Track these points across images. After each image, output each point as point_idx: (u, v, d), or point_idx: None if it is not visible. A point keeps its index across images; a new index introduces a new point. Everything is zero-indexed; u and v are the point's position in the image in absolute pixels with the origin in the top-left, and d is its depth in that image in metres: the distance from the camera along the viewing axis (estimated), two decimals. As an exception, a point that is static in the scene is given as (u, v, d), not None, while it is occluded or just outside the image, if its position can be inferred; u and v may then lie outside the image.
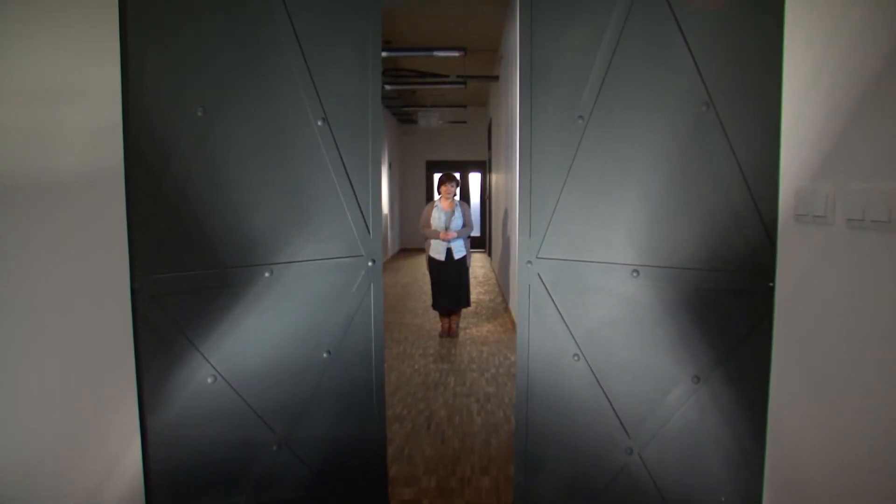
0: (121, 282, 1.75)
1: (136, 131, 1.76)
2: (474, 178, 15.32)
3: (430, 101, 13.00)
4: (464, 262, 6.09)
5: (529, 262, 2.29)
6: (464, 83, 9.07)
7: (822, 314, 1.51)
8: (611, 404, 2.15)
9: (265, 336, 2.12)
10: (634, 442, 2.12)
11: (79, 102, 1.61)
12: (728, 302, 1.88)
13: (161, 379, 1.87)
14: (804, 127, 1.58)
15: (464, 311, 6.84)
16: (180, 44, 1.84)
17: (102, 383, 1.72)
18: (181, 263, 1.90)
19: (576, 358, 2.21)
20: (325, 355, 2.27)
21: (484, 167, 14.52)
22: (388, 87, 9.54)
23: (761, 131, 1.77)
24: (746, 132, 1.80)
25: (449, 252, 5.99)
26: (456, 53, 7.28)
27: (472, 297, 7.71)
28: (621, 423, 2.14)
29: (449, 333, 6.25)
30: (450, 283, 6.05)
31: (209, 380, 1.99)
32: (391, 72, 9.23)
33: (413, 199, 15.41)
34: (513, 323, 6.62)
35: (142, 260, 1.80)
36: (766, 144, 1.75)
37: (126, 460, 1.78)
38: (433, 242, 6.04)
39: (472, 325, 6.79)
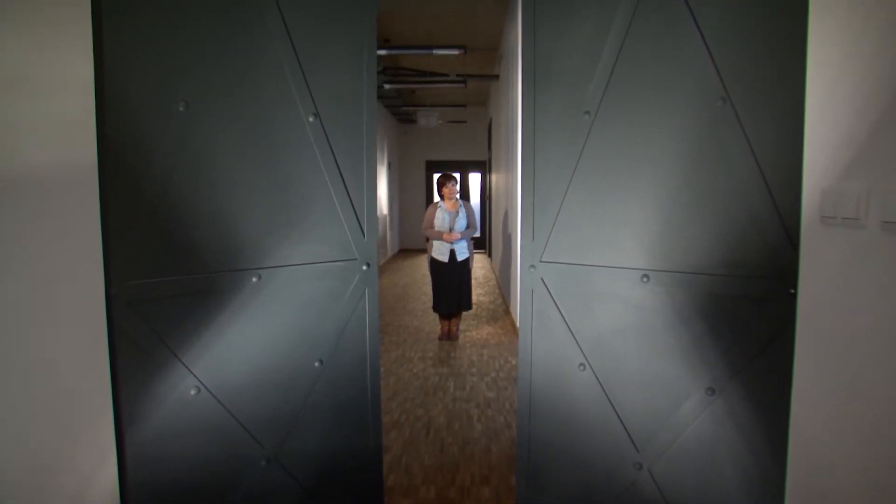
0: (95, 288, 1.63)
1: (112, 126, 1.64)
2: (474, 179, 15.21)
3: (429, 100, 12.90)
4: (466, 263, 5.98)
5: (532, 266, 2.17)
6: (464, 82, 8.96)
7: (851, 324, 1.39)
8: (618, 416, 2.03)
9: (253, 345, 2.00)
10: (644, 457, 2.00)
11: (48, 94, 1.49)
12: (745, 309, 1.76)
13: (140, 391, 1.75)
14: (831, 123, 1.46)
15: (464, 313, 6.73)
16: (159, 33, 1.72)
17: (75, 397, 1.60)
18: (162, 268, 1.78)
19: (581, 367, 2.09)
20: (316, 364, 2.15)
21: (484, 167, 14.41)
22: (387, 87, 9.43)
23: (782, 127, 1.65)
24: (766, 128, 1.69)
25: (452, 253, 5.88)
26: (456, 51, 7.17)
27: (473, 298, 7.60)
28: (630, 436, 2.02)
29: (449, 336, 6.14)
30: (451, 285, 5.95)
31: (192, 391, 1.87)
32: (390, 70, 9.12)
33: (412, 199, 15.30)
34: (513, 325, 6.51)
35: (119, 264, 1.68)
36: (788, 141, 1.63)
37: (101, 479, 1.66)
38: (435, 243, 5.93)
39: (472, 328, 6.68)
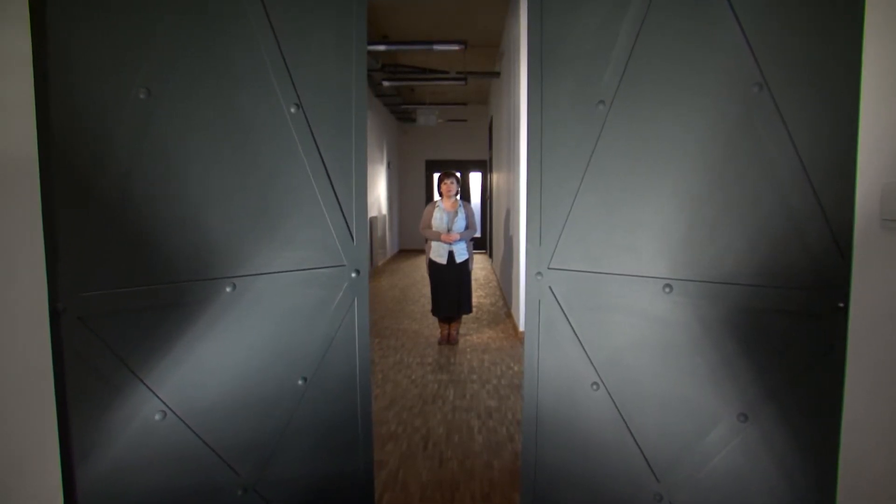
0: (37, 301, 1.41)
1: (56, 114, 1.42)
2: (475, 178, 15.01)
3: (429, 98, 12.71)
4: (466, 265, 5.77)
5: (539, 273, 1.96)
6: (464, 79, 8.77)
7: (920, 347, 1.18)
8: (636, 442, 1.82)
9: (227, 362, 1.79)
10: (664, 487, 1.79)
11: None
12: (784, 325, 1.55)
13: (94, 419, 1.54)
14: (894, 111, 1.25)
15: (464, 316, 6.52)
16: (113, 6, 1.51)
17: (15, 430, 1.38)
18: (120, 277, 1.57)
19: (595, 387, 1.88)
20: (300, 382, 1.94)
21: (485, 167, 14.22)
22: (386, 84, 9.23)
23: (830, 117, 1.43)
24: (811, 119, 1.47)
25: (451, 255, 5.66)
26: (456, 47, 6.96)
27: (473, 300, 7.39)
28: (649, 464, 1.81)
29: (448, 340, 5.94)
30: (451, 287, 5.74)
31: (157, 416, 1.66)
32: (389, 68, 8.92)
33: (412, 199, 15.11)
34: (515, 329, 6.30)
35: (67, 274, 1.47)
36: (838, 133, 1.42)
37: (48, 520, 1.45)
38: (434, 245, 5.72)
39: (472, 332, 6.47)
